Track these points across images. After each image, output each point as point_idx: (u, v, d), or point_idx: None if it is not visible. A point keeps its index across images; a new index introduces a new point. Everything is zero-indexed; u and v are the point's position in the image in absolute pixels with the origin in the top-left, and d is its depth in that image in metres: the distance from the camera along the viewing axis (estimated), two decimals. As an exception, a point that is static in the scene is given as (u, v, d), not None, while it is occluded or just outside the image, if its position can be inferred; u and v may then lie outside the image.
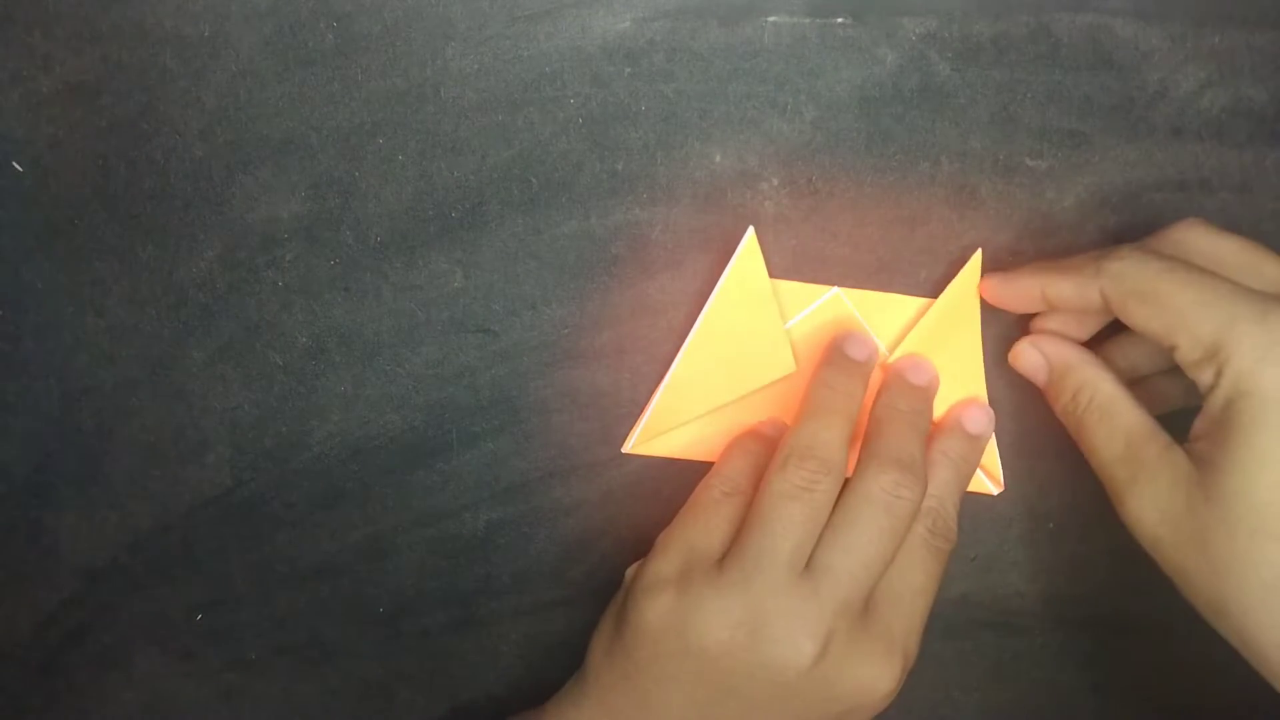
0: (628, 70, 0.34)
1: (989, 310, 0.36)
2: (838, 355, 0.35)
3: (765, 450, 0.35)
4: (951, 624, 0.39)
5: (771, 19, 0.34)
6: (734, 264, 0.35)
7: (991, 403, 0.37)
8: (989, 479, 0.38)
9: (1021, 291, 0.34)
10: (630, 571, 0.35)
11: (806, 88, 0.34)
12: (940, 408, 0.37)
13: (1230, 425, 0.28)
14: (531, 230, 0.35)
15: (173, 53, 0.34)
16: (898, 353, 0.36)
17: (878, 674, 0.32)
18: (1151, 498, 0.30)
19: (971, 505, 0.38)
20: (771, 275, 0.36)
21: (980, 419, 0.36)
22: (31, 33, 0.33)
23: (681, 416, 0.37)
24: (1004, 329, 0.36)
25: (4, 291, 0.35)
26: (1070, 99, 0.35)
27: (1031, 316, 0.36)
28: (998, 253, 0.36)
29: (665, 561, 0.33)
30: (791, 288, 0.36)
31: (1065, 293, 0.32)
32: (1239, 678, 0.30)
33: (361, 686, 0.40)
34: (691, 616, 0.31)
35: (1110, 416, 0.32)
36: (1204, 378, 0.29)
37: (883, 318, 0.36)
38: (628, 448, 0.37)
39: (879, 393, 0.35)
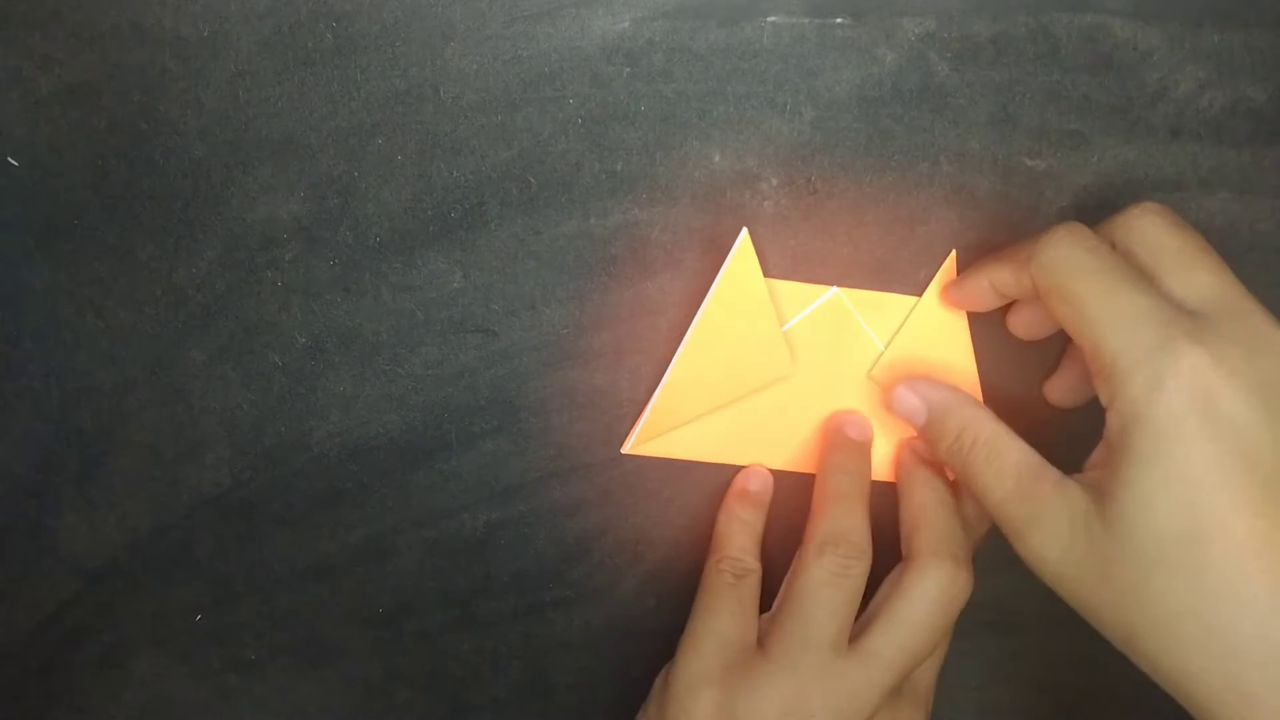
0: (627, 70, 0.34)
1: (989, 314, 0.36)
2: (843, 440, 0.36)
3: (758, 516, 0.37)
4: (951, 624, 0.39)
5: (770, 19, 0.34)
6: (728, 265, 0.35)
7: (992, 404, 0.37)
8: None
9: (973, 289, 0.34)
10: (658, 681, 0.36)
11: (805, 88, 0.34)
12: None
13: (1124, 454, 0.28)
14: (531, 230, 0.35)
15: (173, 53, 0.34)
16: (887, 355, 0.36)
17: None
18: (1052, 536, 0.29)
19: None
20: (771, 275, 0.36)
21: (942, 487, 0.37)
22: (31, 33, 0.34)
23: (680, 417, 0.37)
24: (996, 328, 0.36)
25: (3, 291, 0.36)
26: (1069, 99, 0.35)
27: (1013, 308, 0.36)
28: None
29: (700, 657, 0.34)
30: (791, 288, 0.36)
31: (1005, 280, 0.32)
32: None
33: (361, 686, 0.40)
34: (741, 707, 0.32)
35: (997, 455, 0.31)
36: (1103, 394, 0.29)
37: (882, 318, 0.36)
38: (627, 448, 0.37)
39: (905, 472, 0.37)
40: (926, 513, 0.35)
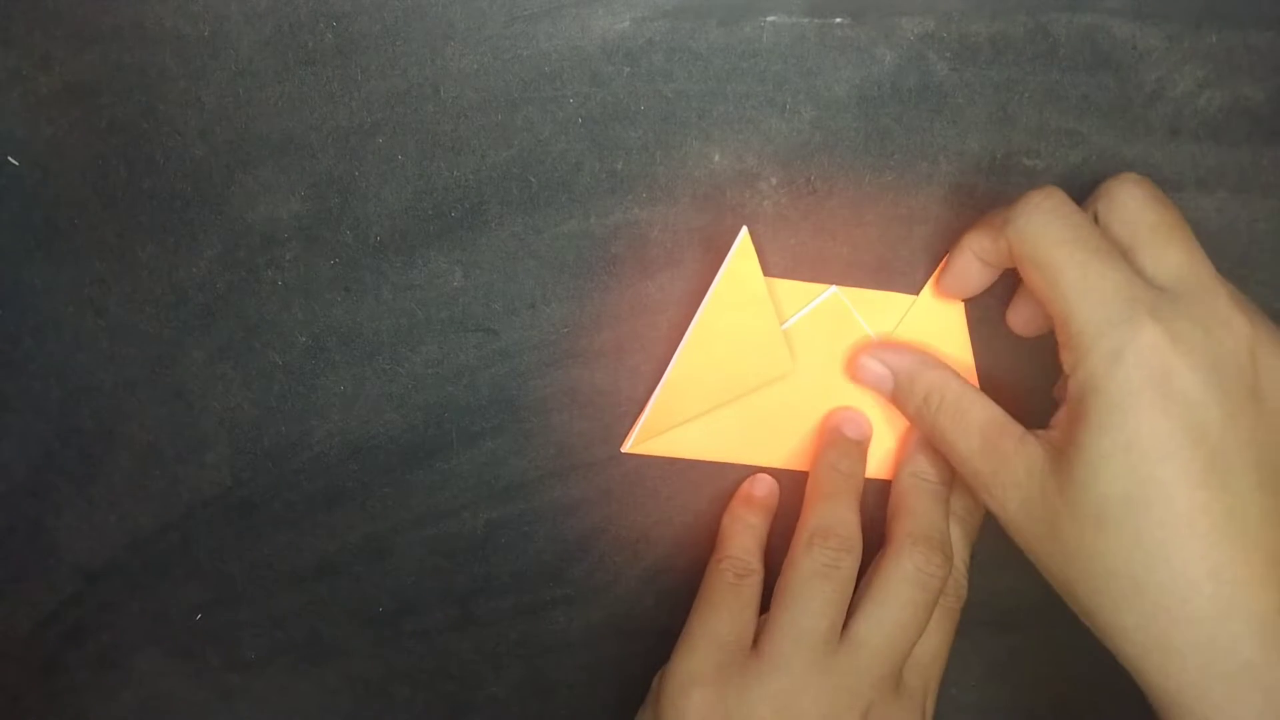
0: (627, 70, 0.34)
1: (974, 308, 0.36)
2: (838, 438, 0.36)
3: (762, 520, 0.37)
4: (950, 623, 0.39)
5: (770, 19, 0.34)
6: (728, 264, 0.35)
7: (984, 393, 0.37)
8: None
9: (959, 265, 0.34)
10: (656, 680, 0.36)
11: (805, 87, 0.35)
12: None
13: (1080, 419, 0.29)
14: (531, 230, 0.36)
15: (173, 53, 0.34)
16: None
17: None
18: (1013, 488, 0.31)
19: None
20: (770, 274, 0.36)
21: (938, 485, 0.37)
22: (31, 33, 0.34)
23: (680, 416, 0.37)
24: (995, 328, 0.36)
25: (4, 291, 0.36)
26: (1068, 99, 0.35)
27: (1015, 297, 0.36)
28: (996, 252, 0.36)
29: (695, 657, 0.34)
30: (790, 287, 0.36)
31: (986, 247, 0.32)
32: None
33: (361, 686, 0.40)
34: (735, 707, 0.32)
35: (962, 413, 0.33)
36: (1067, 361, 0.29)
37: (881, 317, 0.37)
38: (627, 447, 0.37)
39: (900, 462, 0.37)
40: (907, 499, 0.35)
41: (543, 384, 0.37)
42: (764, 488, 0.38)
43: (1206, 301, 0.29)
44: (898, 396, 0.35)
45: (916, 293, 0.36)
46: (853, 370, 0.36)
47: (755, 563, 0.36)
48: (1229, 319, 0.28)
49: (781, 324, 0.36)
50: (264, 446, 0.37)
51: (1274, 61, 0.35)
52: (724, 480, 0.38)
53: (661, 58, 0.34)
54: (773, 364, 0.36)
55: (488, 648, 0.40)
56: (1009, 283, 0.36)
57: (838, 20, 0.34)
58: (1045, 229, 0.30)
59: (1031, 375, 0.37)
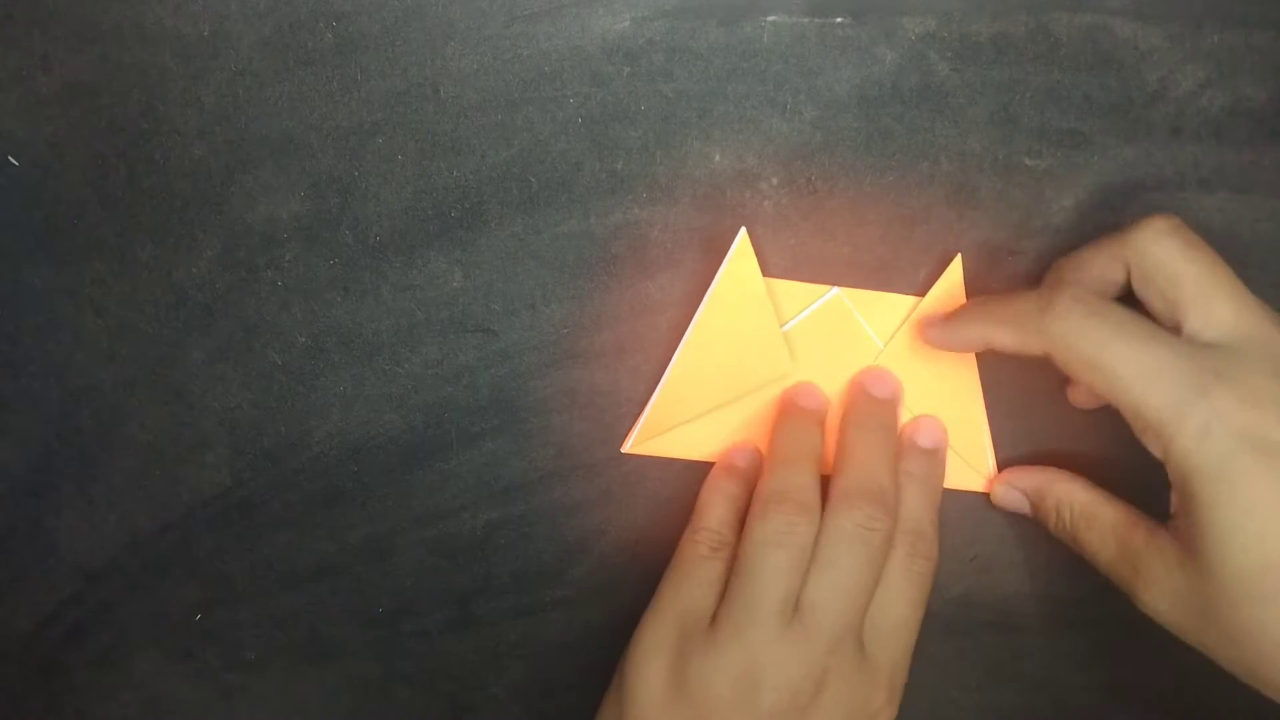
0: (627, 70, 0.34)
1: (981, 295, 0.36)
2: (792, 408, 0.36)
3: (743, 490, 0.36)
4: (951, 624, 0.39)
5: (771, 19, 0.34)
6: (727, 265, 0.35)
7: (987, 400, 0.37)
8: (987, 479, 0.38)
9: (965, 340, 0.33)
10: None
11: (806, 87, 0.34)
12: (939, 407, 0.37)
13: (1193, 502, 0.28)
14: (531, 230, 0.35)
15: (173, 53, 0.34)
16: (885, 355, 0.36)
17: (875, 709, 0.32)
18: (1157, 588, 0.30)
19: (971, 505, 0.38)
20: (771, 275, 0.36)
21: (933, 431, 0.36)
22: (31, 33, 0.34)
23: (680, 416, 0.37)
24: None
25: (4, 291, 0.36)
26: (1069, 99, 0.35)
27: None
28: (997, 253, 0.36)
29: (659, 628, 0.33)
30: (791, 288, 0.36)
31: (1007, 343, 0.32)
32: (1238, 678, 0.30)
33: (361, 686, 0.40)
34: (690, 678, 0.32)
35: (1093, 520, 0.33)
36: (1154, 449, 0.29)
37: (882, 317, 0.36)
38: (627, 448, 0.37)
39: (845, 413, 0.36)
40: (844, 452, 0.35)
41: (542, 384, 0.37)
42: (746, 458, 0.37)
43: (1269, 349, 0.28)
44: (1038, 516, 0.35)
45: (918, 293, 0.36)
46: (993, 498, 0.37)
47: (730, 535, 0.35)
48: None
49: (782, 325, 0.36)
50: (264, 446, 0.37)
51: (1276, 61, 0.35)
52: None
53: (662, 57, 0.34)
54: (772, 364, 0.36)
55: (488, 648, 0.40)
56: (1009, 282, 0.36)
57: (838, 20, 0.34)
58: (1082, 333, 0.29)
59: (1037, 378, 0.37)
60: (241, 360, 0.36)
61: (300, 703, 0.40)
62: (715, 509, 0.35)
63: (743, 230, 0.35)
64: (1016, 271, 0.36)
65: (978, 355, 0.37)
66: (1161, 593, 0.30)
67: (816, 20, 0.34)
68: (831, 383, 0.37)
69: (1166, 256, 0.30)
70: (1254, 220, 0.36)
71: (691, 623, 0.33)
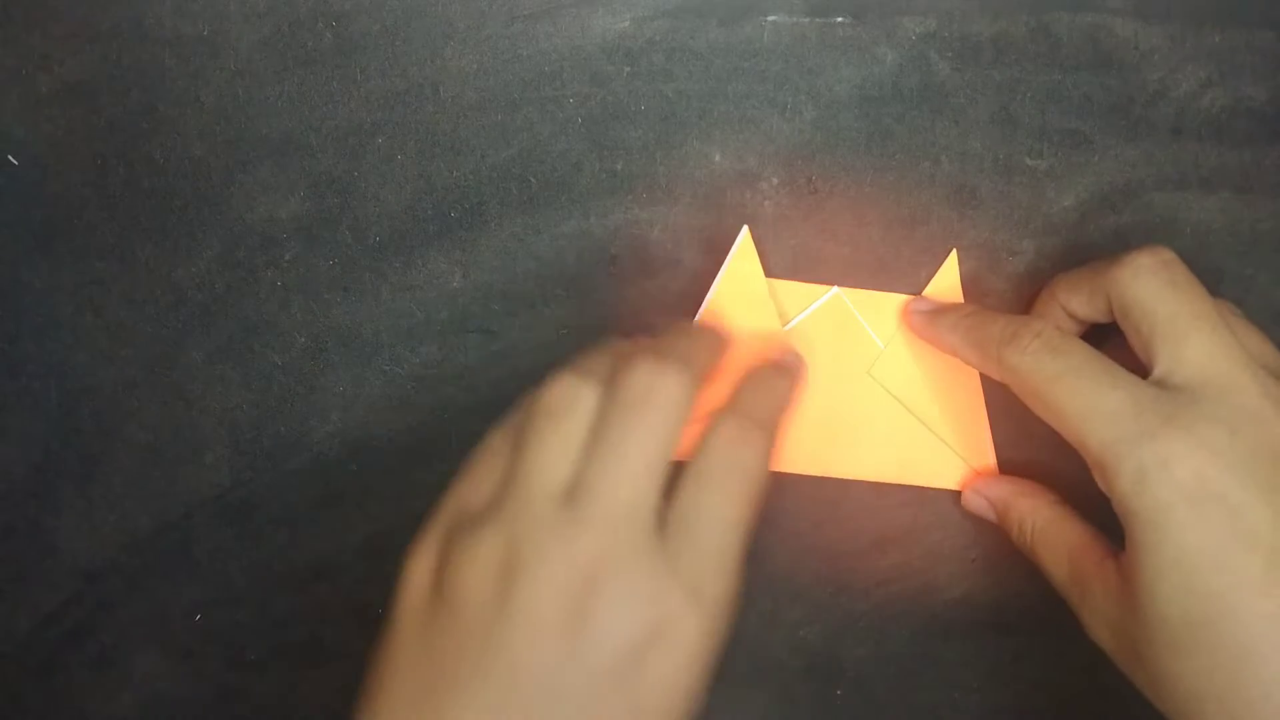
0: (627, 70, 0.34)
1: (973, 304, 0.36)
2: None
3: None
4: (951, 624, 0.39)
5: (771, 18, 0.34)
6: (729, 263, 0.35)
7: (992, 405, 0.37)
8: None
9: (938, 342, 0.35)
10: None
11: (806, 87, 0.34)
12: (938, 406, 0.37)
13: (1130, 543, 0.28)
14: (531, 230, 0.35)
15: (172, 53, 0.34)
16: (886, 354, 0.36)
17: (671, 614, 0.26)
18: (1098, 615, 0.30)
19: (972, 505, 0.38)
20: (771, 275, 0.36)
21: (790, 359, 0.34)
22: (31, 32, 0.34)
23: (681, 416, 0.37)
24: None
25: (3, 291, 0.35)
26: (1070, 98, 0.35)
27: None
28: (997, 252, 0.36)
29: (434, 527, 0.29)
30: (791, 288, 0.36)
31: (973, 365, 0.33)
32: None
33: (361, 686, 0.40)
34: (448, 575, 0.27)
35: (1051, 540, 0.33)
36: (1102, 487, 0.29)
37: (883, 317, 0.36)
38: (627, 447, 0.37)
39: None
40: (744, 383, 0.32)
41: (542, 384, 0.37)
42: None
43: (1228, 397, 0.27)
44: (1002, 526, 0.35)
45: (919, 293, 0.36)
46: (963, 502, 0.37)
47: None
48: (1258, 412, 0.27)
49: (783, 325, 0.36)
50: (264, 446, 0.37)
51: (1276, 61, 0.34)
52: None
53: (662, 57, 0.34)
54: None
55: (488, 648, 0.40)
56: (1009, 282, 0.36)
57: (839, 20, 0.34)
58: (1036, 368, 0.30)
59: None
60: (241, 360, 0.36)
61: (300, 703, 0.40)
62: (490, 442, 0.31)
63: (745, 229, 0.35)
64: (1016, 271, 0.36)
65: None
66: (1101, 622, 0.30)
67: (817, 20, 0.34)
68: (832, 383, 0.37)
69: (1144, 294, 0.30)
70: (1255, 220, 0.36)
71: (462, 511, 0.28)
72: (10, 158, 0.34)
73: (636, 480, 0.27)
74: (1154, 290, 0.29)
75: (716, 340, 0.33)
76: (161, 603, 0.39)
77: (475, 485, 0.29)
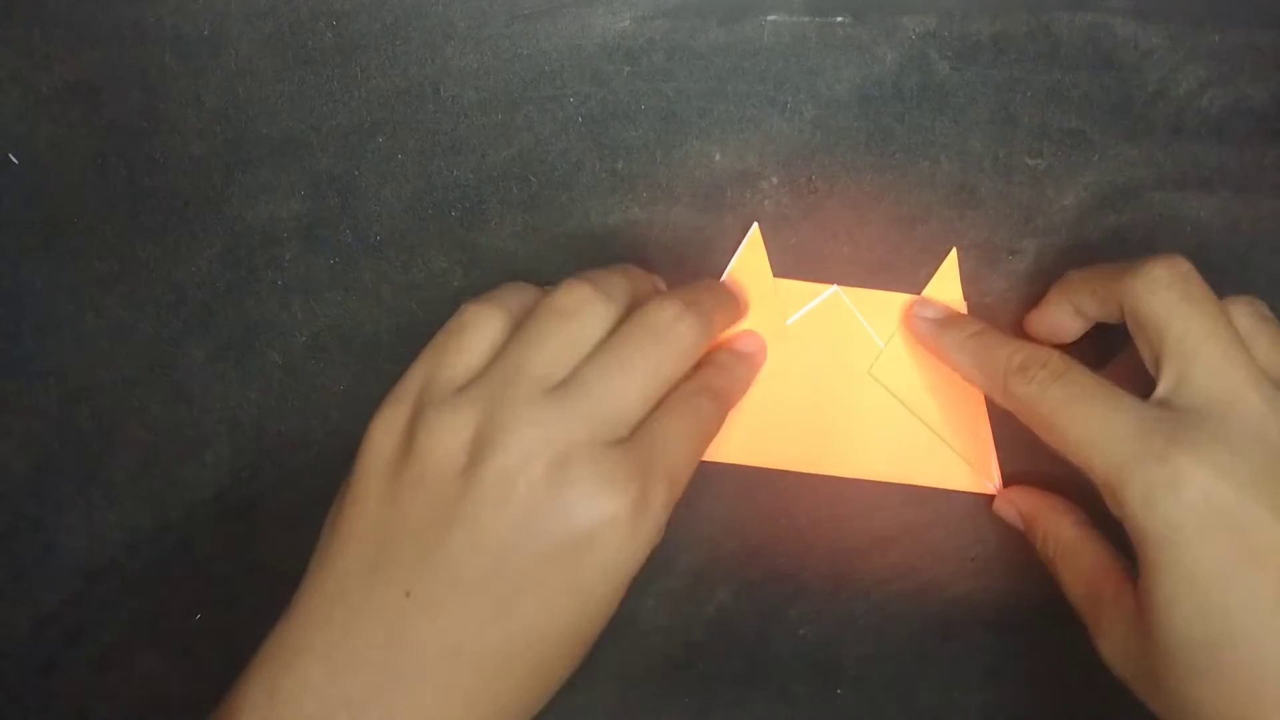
0: (627, 69, 0.34)
1: (977, 309, 0.36)
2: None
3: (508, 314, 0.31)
4: (951, 624, 0.39)
5: (771, 18, 0.34)
6: (737, 259, 0.35)
7: (992, 403, 0.37)
8: (988, 478, 0.38)
9: (943, 356, 0.35)
10: None
11: (806, 86, 0.34)
12: (938, 405, 0.37)
13: (1142, 566, 0.28)
14: (531, 229, 0.35)
15: (173, 52, 0.34)
16: (887, 352, 0.36)
17: (622, 507, 0.27)
18: (1111, 639, 0.30)
19: (973, 507, 0.38)
20: (771, 274, 0.36)
21: (750, 342, 0.35)
22: (31, 32, 0.34)
23: (681, 416, 0.37)
24: (1005, 329, 0.36)
25: (3, 290, 0.35)
26: (1070, 98, 0.35)
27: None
28: (997, 252, 0.36)
29: (404, 386, 0.29)
30: (791, 286, 0.36)
31: (978, 386, 0.34)
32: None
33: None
34: (420, 436, 0.28)
35: (1072, 558, 0.33)
36: (1114, 512, 0.29)
37: (882, 316, 0.36)
38: (627, 447, 0.37)
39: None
40: (705, 361, 0.33)
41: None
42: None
43: (1235, 416, 0.27)
44: (1028, 537, 0.35)
45: (918, 292, 0.36)
46: (995, 507, 0.37)
47: (515, 313, 0.31)
48: (1263, 430, 0.27)
49: (785, 321, 0.36)
50: (263, 446, 0.37)
51: (1276, 61, 0.35)
52: (724, 481, 0.38)
53: (662, 57, 0.34)
54: (777, 360, 0.36)
55: (488, 648, 0.40)
56: (1009, 281, 0.36)
57: (839, 19, 0.34)
58: (1040, 398, 0.30)
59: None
60: (241, 359, 0.36)
61: (300, 703, 0.40)
62: (512, 289, 0.32)
63: (755, 226, 0.35)
64: (1016, 270, 0.36)
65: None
66: (1115, 646, 0.30)
67: (817, 20, 0.34)
68: (831, 381, 0.37)
69: (1158, 310, 0.29)
70: (1255, 220, 0.36)
71: (441, 382, 0.29)
72: (10, 157, 0.34)
73: (629, 393, 0.28)
74: (1168, 306, 0.29)
75: (736, 305, 0.34)
76: (161, 603, 0.39)
77: (454, 359, 0.29)
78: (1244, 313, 0.30)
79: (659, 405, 0.30)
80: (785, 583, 0.38)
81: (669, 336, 0.29)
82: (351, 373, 0.37)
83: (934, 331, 0.34)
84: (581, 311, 0.29)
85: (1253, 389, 0.28)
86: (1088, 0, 0.34)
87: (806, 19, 0.34)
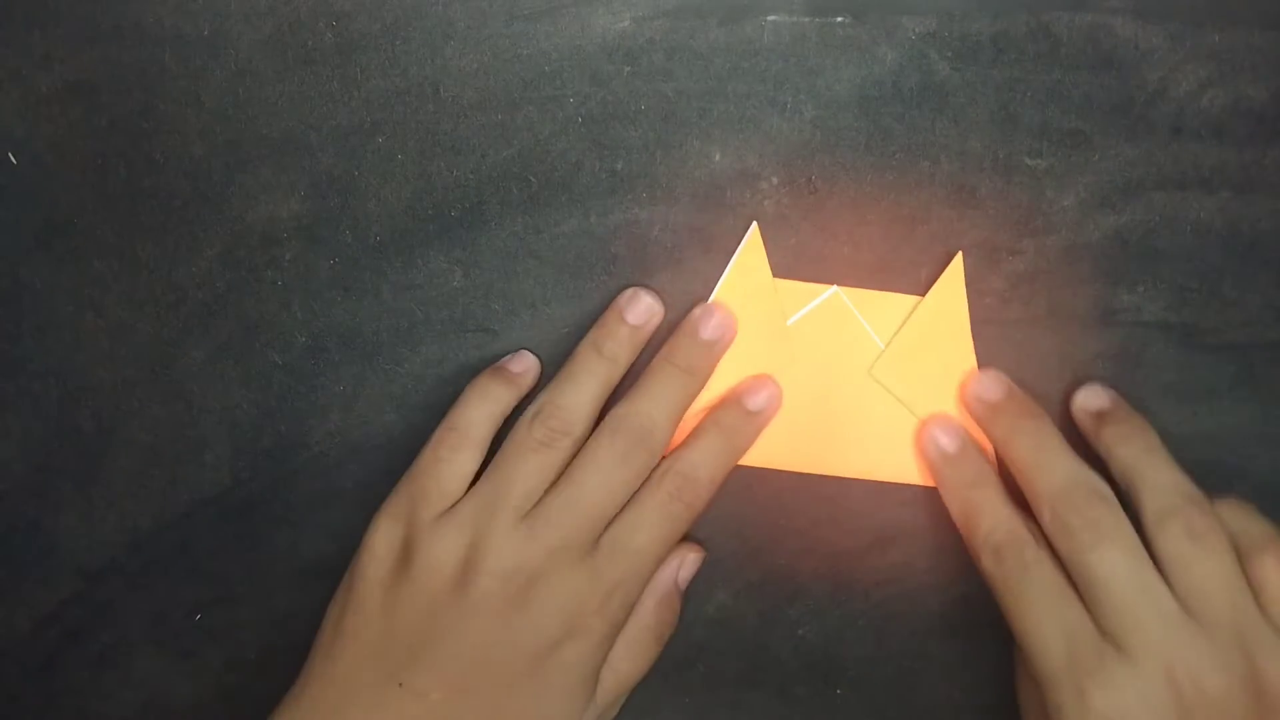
0: (627, 69, 0.34)
1: (977, 309, 0.36)
2: (614, 318, 0.35)
3: (507, 393, 0.35)
4: (951, 624, 0.39)
5: (771, 18, 0.34)
6: (736, 259, 0.35)
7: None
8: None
9: (935, 480, 0.36)
10: None
11: (806, 87, 0.34)
12: (938, 406, 0.37)
13: None
14: (531, 229, 0.35)
15: (173, 52, 0.34)
16: (888, 354, 0.36)
17: (585, 614, 0.32)
18: None
19: (972, 505, 0.38)
20: (771, 274, 0.36)
21: (760, 397, 0.36)
22: (31, 32, 0.34)
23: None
24: (997, 328, 0.36)
25: (3, 291, 0.36)
26: (1070, 98, 0.35)
27: (1032, 313, 0.36)
28: (997, 252, 0.36)
29: (397, 507, 0.34)
30: (791, 286, 0.36)
31: (959, 523, 0.35)
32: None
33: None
34: (419, 555, 0.33)
35: (1024, 674, 0.35)
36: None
37: (882, 317, 0.36)
38: (627, 447, 0.37)
39: (666, 344, 0.35)
40: (640, 382, 0.35)
41: (543, 385, 0.37)
42: (522, 364, 0.36)
43: (1152, 658, 0.30)
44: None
45: (918, 293, 0.36)
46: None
47: (481, 433, 0.35)
48: (1166, 662, 0.30)
49: (785, 322, 0.36)
50: (264, 446, 0.37)
51: (1277, 61, 0.34)
52: (724, 481, 0.38)
53: (662, 57, 0.34)
54: (778, 360, 0.36)
55: (488, 648, 0.40)
56: (1009, 282, 0.36)
57: (839, 19, 0.34)
58: (1009, 578, 0.33)
59: (1034, 378, 0.37)
60: (241, 360, 0.36)
61: (300, 703, 0.40)
62: (469, 409, 0.35)
63: (754, 225, 0.35)
64: (1016, 271, 0.36)
65: (980, 359, 0.37)
66: None
67: (817, 20, 0.34)
68: (831, 381, 0.37)
69: (1162, 527, 0.32)
70: (1255, 220, 0.36)
71: (432, 504, 0.34)
72: (10, 157, 0.34)
73: (587, 521, 0.33)
74: (1170, 533, 0.32)
75: (723, 340, 0.36)
76: (161, 603, 0.39)
77: (434, 482, 0.34)
78: (1176, 535, 0.32)
79: (634, 498, 0.34)
80: (785, 583, 0.38)
81: (620, 474, 0.33)
82: (351, 373, 0.37)
83: (938, 463, 0.36)
84: (552, 445, 0.33)
85: (1158, 625, 0.31)
86: (1088, 0, 0.34)
87: (806, 19, 0.34)
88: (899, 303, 0.36)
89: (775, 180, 0.35)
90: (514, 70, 0.34)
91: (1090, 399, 0.36)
